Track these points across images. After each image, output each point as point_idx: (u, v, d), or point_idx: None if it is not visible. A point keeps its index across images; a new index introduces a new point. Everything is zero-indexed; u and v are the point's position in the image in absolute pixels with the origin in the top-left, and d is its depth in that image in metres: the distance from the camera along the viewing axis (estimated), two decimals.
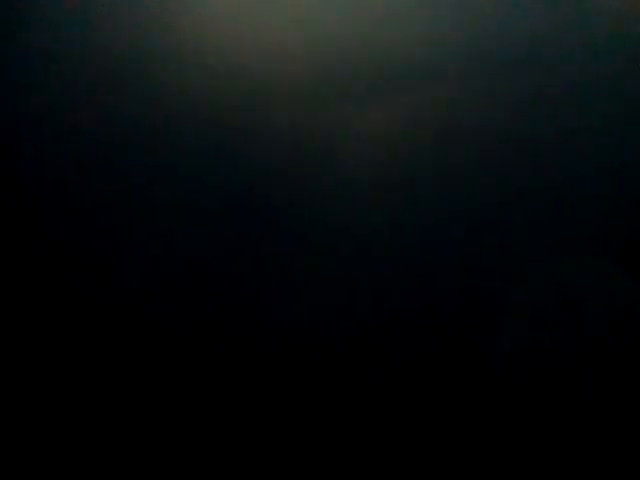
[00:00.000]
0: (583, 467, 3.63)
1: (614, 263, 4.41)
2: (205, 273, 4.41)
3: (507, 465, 3.69)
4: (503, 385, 3.87)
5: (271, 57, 5.86)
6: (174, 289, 4.33)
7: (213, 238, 4.61)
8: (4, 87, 5.60)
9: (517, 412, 3.78)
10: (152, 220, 4.73)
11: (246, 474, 3.58)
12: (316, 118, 5.46)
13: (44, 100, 5.49)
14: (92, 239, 4.59)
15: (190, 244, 4.60)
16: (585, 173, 5.07)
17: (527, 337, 4.11)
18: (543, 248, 4.61)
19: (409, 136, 5.28)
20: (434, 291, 4.38)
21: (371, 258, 4.53)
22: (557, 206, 4.88)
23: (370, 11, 6.15)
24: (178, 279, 4.38)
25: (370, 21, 6.09)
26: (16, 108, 5.42)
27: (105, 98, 5.54)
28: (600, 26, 5.94)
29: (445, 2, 6.19)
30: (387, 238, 4.64)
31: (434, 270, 4.48)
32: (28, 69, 5.74)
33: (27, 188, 4.90)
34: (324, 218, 4.75)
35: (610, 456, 3.65)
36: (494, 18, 6.12)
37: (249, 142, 5.30)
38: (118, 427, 3.70)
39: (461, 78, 5.71)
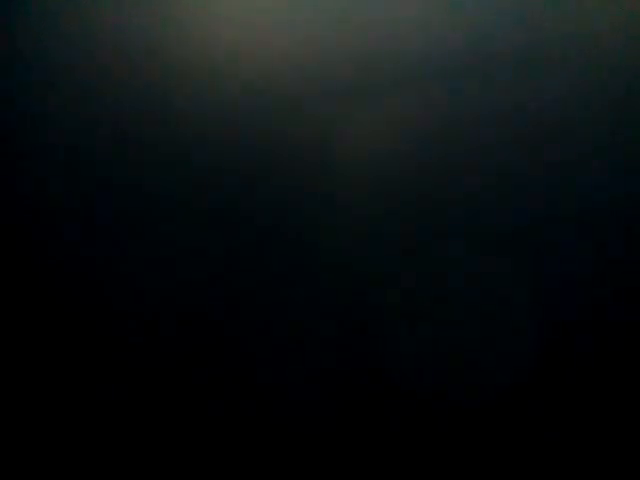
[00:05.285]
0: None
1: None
2: (199, 278, 4.41)
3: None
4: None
5: (270, 57, 5.86)
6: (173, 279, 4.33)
7: (208, 240, 4.61)
8: (5, 88, 5.60)
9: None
10: (151, 219, 4.73)
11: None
12: (315, 118, 5.45)
13: (44, 101, 5.49)
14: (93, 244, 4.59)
15: (185, 244, 4.60)
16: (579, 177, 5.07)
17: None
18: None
19: (408, 135, 5.27)
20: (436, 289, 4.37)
21: (369, 258, 4.53)
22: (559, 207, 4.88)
23: (368, 11, 6.15)
24: (174, 277, 4.38)
25: (369, 21, 6.09)
26: (16, 109, 5.42)
27: (103, 99, 5.55)
28: (600, 26, 5.94)
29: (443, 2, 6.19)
30: (386, 241, 4.63)
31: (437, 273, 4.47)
32: (26, 69, 5.74)
33: (27, 191, 4.90)
34: (322, 219, 4.75)
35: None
36: (492, 18, 6.12)
37: (248, 142, 5.30)
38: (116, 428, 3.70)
39: (460, 78, 5.71)
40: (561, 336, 4.08)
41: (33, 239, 4.60)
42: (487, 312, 4.21)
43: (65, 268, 4.42)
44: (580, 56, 5.83)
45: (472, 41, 5.92)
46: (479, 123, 5.41)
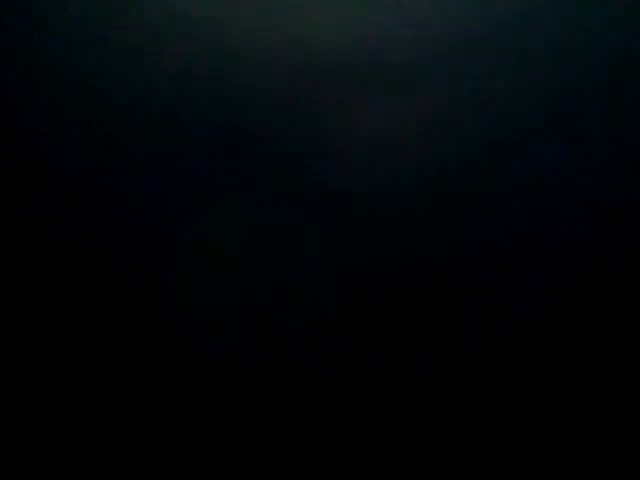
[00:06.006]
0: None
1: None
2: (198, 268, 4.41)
3: None
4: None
5: (271, 57, 5.87)
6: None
7: (209, 236, 4.62)
8: (7, 87, 5.61)
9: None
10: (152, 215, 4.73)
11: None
12: (315, 118, 5.47)
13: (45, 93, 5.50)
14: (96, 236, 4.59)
15: (185, 239, 4.60)
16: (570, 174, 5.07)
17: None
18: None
19: (408, 136, 5.28)
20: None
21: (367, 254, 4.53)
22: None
23: (369, 10, 6.16)
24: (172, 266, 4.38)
25: (369, 20, 6.09)
26: (17, 104, 5.43)
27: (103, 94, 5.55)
28: (600, 25, 5.94)
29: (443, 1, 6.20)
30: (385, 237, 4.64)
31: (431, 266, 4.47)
32: (28, 67, 5.75)
33: (29, 184, 4.90)
34: (322, 218, 4.76)
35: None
36: (492, 16, 6.12)
37: (249, 142, 5.32)
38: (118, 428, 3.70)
39: (460, 78, 5.72)
40: (559, 338, 4.09)
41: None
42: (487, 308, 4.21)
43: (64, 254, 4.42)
44: (579, 55, 5.83)
45: (471, 40, 5.92)
46: (479, 119, 5.41)
